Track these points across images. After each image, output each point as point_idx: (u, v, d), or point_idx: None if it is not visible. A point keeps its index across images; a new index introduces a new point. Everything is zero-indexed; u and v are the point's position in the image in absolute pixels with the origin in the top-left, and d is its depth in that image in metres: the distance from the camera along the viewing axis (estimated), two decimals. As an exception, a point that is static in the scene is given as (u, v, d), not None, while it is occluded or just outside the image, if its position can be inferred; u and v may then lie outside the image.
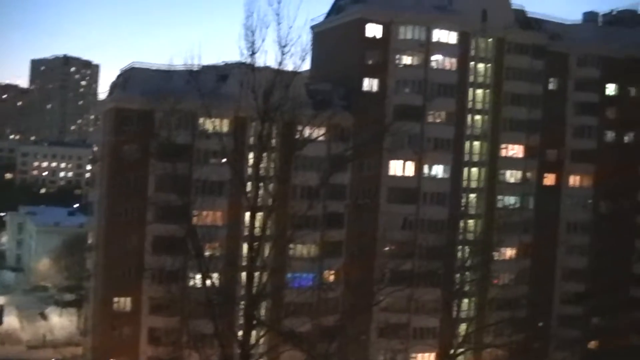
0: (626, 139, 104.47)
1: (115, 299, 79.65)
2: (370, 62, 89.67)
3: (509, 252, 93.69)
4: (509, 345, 76.56)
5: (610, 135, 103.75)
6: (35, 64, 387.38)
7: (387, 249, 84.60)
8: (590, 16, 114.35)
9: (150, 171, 70.35)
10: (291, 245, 55.57)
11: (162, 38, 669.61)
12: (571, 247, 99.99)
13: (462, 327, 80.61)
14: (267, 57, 37.39)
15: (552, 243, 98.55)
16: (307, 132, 39.36)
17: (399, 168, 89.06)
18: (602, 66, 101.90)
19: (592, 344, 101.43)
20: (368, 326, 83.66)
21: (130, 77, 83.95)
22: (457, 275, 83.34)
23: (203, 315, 39.47)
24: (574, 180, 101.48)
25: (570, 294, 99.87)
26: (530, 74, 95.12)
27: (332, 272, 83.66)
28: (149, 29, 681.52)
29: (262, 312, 62.57)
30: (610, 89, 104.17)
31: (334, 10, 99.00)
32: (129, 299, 79.40)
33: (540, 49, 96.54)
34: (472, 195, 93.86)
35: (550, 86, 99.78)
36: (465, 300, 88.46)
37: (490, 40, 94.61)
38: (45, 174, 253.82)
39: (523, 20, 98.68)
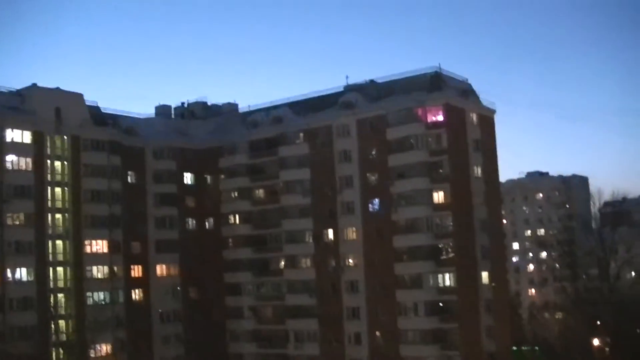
0: (207, 225, 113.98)
1: None
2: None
3: (105, 349, 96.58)
4: None
5: (191, 222, 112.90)
6: None
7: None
8: (163, 109, 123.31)
9: None
10: None
11: None
12: (166, 336, 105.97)
13: None
14: None
15: (147, 335, 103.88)
16: None
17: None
18: (178, 157, 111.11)
19: None
20: None
21: None
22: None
23: None
24: (160, 270, 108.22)
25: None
26: (108, 169, 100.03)
27: None
28: None
29: None
30: (188, 178, 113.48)
31: None
32: None
33: (116, 144, 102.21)
34: (61, 296, 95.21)
35: (130, 180, 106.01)
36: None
37: (65, 138, 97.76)
38: None
39: (98, 116, 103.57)
